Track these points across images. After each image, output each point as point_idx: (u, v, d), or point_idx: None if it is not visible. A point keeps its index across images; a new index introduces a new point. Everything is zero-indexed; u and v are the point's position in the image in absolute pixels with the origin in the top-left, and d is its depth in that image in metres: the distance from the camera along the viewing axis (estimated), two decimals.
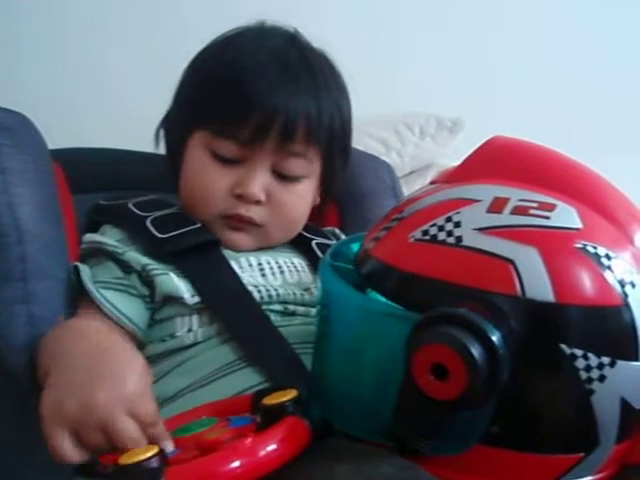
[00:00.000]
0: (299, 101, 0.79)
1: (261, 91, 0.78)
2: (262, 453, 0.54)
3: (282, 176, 0.81)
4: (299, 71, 0.81)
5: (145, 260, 0.76)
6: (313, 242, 0.88)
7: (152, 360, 0.74)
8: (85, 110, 1.38)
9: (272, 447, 0.55)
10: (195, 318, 0.75)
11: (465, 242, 0.56)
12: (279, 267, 0.83)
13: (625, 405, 0.55)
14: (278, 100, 0.78)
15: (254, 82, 0.78)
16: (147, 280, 0.76)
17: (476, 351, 0.50)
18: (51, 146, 0.86)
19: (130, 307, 0.74)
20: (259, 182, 0.79)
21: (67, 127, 1.20)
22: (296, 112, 0.78)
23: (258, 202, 0.80)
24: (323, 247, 0.87)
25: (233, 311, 0.74)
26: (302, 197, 0.84)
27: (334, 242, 0.90)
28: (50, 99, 1.35)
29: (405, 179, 1.38)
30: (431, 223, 0.58)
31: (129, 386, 0.58)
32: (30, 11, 1.39)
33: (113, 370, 0.60)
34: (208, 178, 0.80)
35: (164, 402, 0.71)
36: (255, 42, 0.83)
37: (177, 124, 0.85)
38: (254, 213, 0.81)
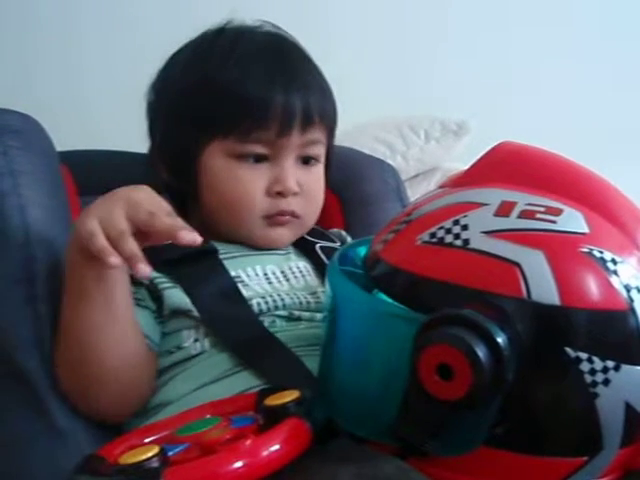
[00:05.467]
0: (309, 89, 0.81)
1: (277, 85, 0.79)
2: (262, 455, 0.54)
3: (303, 162, 0.83)
4: (295, 59, 0.83)
5: (153, 273, 0.75)
6: (317, 246, 0.88)
7: (160, 371, 0.75)
8: (94, 111, 1.39)
9: (272, 449, 0.55)
10: (202, 329, 0.75)
11: (472, 245, 0.56)
12: (284, 275, 0.83)
13: (629, 409, 0.55)
14: (293, 92, 0.79)
15: (265, 82, 0.79)
16: (155, 294, 0.76)
17: (481, 352, 0.51)
18: (59, 148, 0.87)
19: (144, 321, 0.74)
20: (293, 175, 0.81)
21: (76, 128, 1.21)
22: (310, 95, 0.81)
23: (295, 194, 0.82)
24: (327, 250, 0.87)
25: (229, 320, 0.75)
26: (321, 179, 0.87)
27: (338, 245, 0.90)
28: (59, 100, 1.36)
29: (410, 182, 1.38)
30: (439, 226, 0.58)
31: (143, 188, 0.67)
32: (43, 14, 1.40)
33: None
34: (243, 184, 0.80)
35: (168, 405, 0.72)
36: (244, 40, 0.83)
37: (182, 145, 0.82)
38: (294, 205, 0.82)
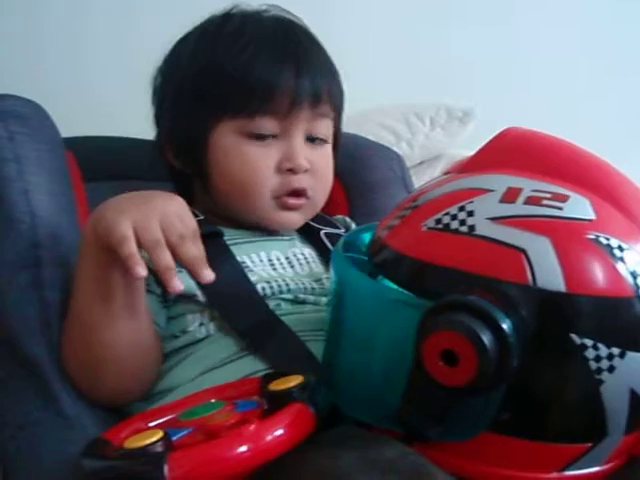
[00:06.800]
0: (318, 72, 0.81)
1: (286, 66, 0.79)
2: (265, 439, 0.54)
3: (312, 140, 0.83)
4: (304, 43, 0.83)
5: None
6: (322, 232, 0.88)
7: (165, 356, 0.75)
8: (100, 98, 1.39)
9: (276, 434, 0.55)
10: (207, 313, 0.75)
11: (478, 231, 0.56)
12: (289, 262, 0.83)
13: (634, 396, 0.55)
14: (302, 75, 0.80)
15: (274, 65, 0.79)
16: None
17: (486, 338, 0.51)
18: (66, 134, 0.87)
19: (150, 306, 0.74)
20: (302, 152, 0.81)
21: (82, 115, 1.21)
22: (318, 76, 0.81)
23: (305, 171, 0.82)
24: (332, 237, 0.87)
25: (236, 303, 0.75)
26: (330, 159, 0.87)
27: (343, 231, 0.90)
28: (66, 87, 1.36)
29: (415, 169, 1.38)
30: (444, 212, 0.58)
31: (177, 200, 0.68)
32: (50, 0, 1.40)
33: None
34: (252, 162, 0.80)
35: (174, 389, 0.72)
36: (251, 23, 0.83)
37: (190, 126, 0.82)
38: (305, 182, 0.82)
